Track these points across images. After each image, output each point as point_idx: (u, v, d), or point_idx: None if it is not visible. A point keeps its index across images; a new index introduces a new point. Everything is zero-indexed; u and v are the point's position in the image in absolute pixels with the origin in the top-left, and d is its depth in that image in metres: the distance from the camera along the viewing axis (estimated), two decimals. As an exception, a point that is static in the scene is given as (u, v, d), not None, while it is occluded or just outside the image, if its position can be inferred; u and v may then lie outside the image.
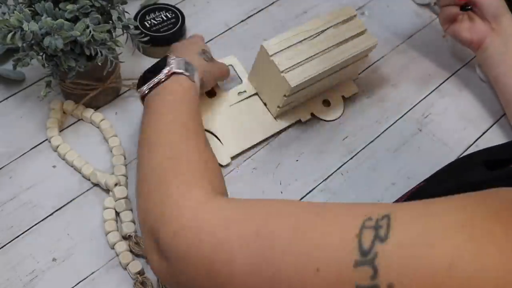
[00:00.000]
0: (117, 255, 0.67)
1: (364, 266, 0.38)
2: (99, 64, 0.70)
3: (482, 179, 0.54)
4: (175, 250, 0.50)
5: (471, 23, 0.81)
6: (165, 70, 0.65)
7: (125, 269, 0.66)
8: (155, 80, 0.65)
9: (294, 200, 0.55)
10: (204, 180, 0.55)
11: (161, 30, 0.85)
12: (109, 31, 0.70)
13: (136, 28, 0.79)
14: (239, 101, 0.79)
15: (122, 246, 0.67)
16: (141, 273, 0.66)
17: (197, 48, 0.74)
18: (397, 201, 0.68)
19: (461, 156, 0.76)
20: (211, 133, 0.76)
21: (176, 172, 0.55)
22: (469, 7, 0.81)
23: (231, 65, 0.83)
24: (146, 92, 0.65)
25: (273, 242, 0.44)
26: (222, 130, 0.77)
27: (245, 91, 0.80)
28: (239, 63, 0.84)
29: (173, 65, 0.66)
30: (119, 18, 0.71)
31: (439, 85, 0.87)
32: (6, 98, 0.81)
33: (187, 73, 0.66)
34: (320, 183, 0.75)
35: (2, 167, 0.74)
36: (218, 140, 0.76)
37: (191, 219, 0.50)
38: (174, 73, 0.65)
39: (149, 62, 0.86)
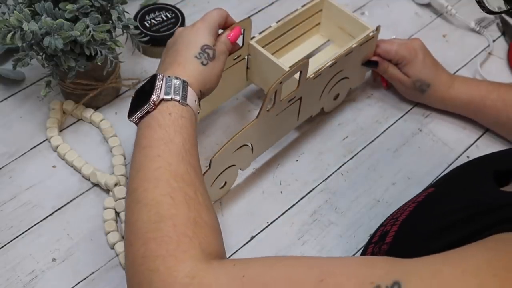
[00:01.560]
0: (117, 255, 0.67)
1: None
2: (99, 64, 0.70)
3: (493, 203, 0.52)
4: None
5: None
6: (153, 97, 0.58)
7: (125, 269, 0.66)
8: (144, 109, 0.58)
9: (293, 257, 0.53)
10: (193, 246, 0.49)
11: (161, 30, 0.85)
12: (109, 31, 0.70)
13: (136, 28, 0.79)
14: (229, 67, 0.75)
15: (122, 246, 0.67)
16: (141, 273, 0.66)
17: (196, 46, 0.65)
18: (403, 208, 0.65)
19: (471, 159, 0.72)
20: None
21: (161, 242, 0.49)
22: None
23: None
24: (136, 122, 0.60)
25: None
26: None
27: (239, 56, 0.76)
28: (250, 28, 0.75)
29: (162, 89, 0.58)
30: (119, 18, 0.71)
31: (439, 85, 0.87)
32: (6, 98, 0.81)
33: (177, 98, 0.58)
34: (320, 183, 0.75)
35: (2, 167, 0.74)
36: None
37: None
38: (162, 99, 0.58)
39: (149, 62, 0.86)
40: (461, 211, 0.53)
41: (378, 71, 0.81)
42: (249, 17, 0.73)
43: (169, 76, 0.60)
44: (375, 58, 0.79)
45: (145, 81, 0.62)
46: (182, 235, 0.50)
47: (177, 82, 0.59)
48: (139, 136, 0.58)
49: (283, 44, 0.81)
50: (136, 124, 0.60)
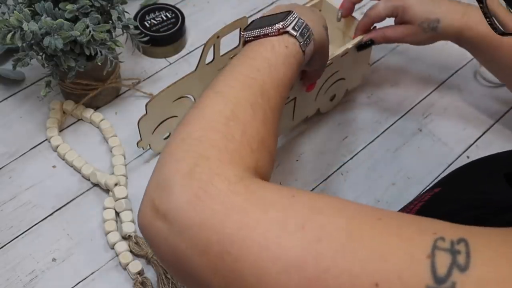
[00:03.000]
0: (117, 255, 0.67)
1: None
2: (99, 64, 0.70)
3: (508, 202, 0.50)
4: (187, 215, 0.41)
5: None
6: (279, 25, 0.56)
7: (125, 269, 0.66)
8: (264, 31, 0.56)
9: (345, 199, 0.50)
10: (251, 158, 0.46)
11: (161, 30, 0.85)
12: (109, 31, 0.70)
13: (136, 28, 0.79)
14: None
15: (122, 246, 0.67)
16: (141, 273, 0.66)
17: (323, 21, 0.63)
18: (408, 208, 0.63)
19: (476, 159, 0.70)
20: (188, 96, 0.74)
21: (224, 137, 0.46)
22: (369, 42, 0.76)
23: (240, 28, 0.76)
24: (248, 39, 0.57)
25: (320, 238, 0.38)
26: (199, 92, 0.73)
27: (236, 54, 0.76)
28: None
29: (292, 24, 0.56)
30: (119, 18, 0.71)
31: (439, 85, 0.87)
32: (6, 98, 0.81)
33: (300, 40, 0.56)
34: (320, 183, 0.75)
35: (2, 167, 0.74)
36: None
37: (218, 197, 0.42)
38: (286, 32, 0.56)
39: (149, 62, 0.86)
40: (472, 210, 0.52)
41: (380, 42, 0.75)
42: (245, 16, 0.73)
43: (302, 19, 0.58)
44: (365, 38, 0.75)
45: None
46: (246, 143, 0.47)
47: (307, 27, 0.57)
48: (247, 49, 0.56)
49: None
50: (247, 42, 0.57)
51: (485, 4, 0.67)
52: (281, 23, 0.56)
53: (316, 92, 0.75)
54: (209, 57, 0.71)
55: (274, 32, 0.56)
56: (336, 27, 0.82)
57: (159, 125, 0.72)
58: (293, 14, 0.57)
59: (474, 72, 0.89)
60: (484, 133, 0.82)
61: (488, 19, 0.65)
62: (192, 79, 0.71)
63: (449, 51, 0.92)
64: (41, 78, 0.81)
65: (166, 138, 0.75)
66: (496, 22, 0.53)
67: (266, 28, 0.56)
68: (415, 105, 0.85)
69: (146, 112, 0.69)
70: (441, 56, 0.91)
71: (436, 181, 0.76)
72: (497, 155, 0.65)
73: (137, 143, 0.72)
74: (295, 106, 0.73)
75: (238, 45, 0.74)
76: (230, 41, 0.72)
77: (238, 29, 0.72)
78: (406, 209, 0.63)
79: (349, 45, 0.74)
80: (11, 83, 0.82)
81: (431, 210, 0.59)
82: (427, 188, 0.67)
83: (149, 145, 0.74)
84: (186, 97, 0.72)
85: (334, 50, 0.78)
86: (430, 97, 0.86)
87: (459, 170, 0.68)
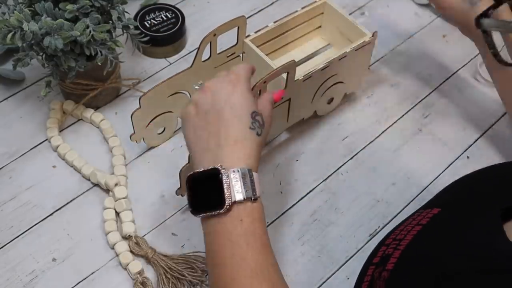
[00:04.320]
0: (117, 255, 0.67)
1: None
2: (99, 64, 0.70)
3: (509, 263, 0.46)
4: None
5: None
6: (226, 203, 0.52)
7: (125, 269, 0.66)
8: (214, 213, 0.52)
9: None
10: None
11: (161, 30, 0.85)
12: (109, 31, 0.70)
13: (136, 28, 0.79)
14: (223, 63, 0.75)
15: (122, 246, 0.67)
16: (141, 273, 0.66)
17: (247, 114, 0.55)
18: (405, 229, 0.58)
19: (477, 170, 0.64)
20: (184, 92, 0.74)
21: None
22: None
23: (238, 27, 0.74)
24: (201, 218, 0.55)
25: None
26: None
27: (234, 53, 0.76)
28: (245, 27, 0.75)
29: (232, 190, 0.52)
30: (119, 18, 0.71)
31: (439, 85, 0.87)
32: (6, 98, 0.81)
33: (249, 195, 0.52)
34: (320, 183, 0.75)
35: (2, 167, 0.74)
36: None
37: None
38: (235, 202, 0.52)
39: (149, 62, 0.86)
40: (473, 261, 0.48)
41: None
42: (243, 15, 0.73)
43: (233, 170, 0.52)
44: None
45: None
46: None
47: (243, 173, 0.53)
48: (209, 246, 0.54)
49: (281, 44, 0.81)
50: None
51: (490, 35, 0.66)
52: (226, 201, 0.52)
53: (312, 94, 0.75)
54: (206, 55, 0.72)
55: (224, 212, 0.52)
56: (339, 31, 0.81)
57: (153, 119, 0.73)
58: (224, 175, 0.52)
59: (474, 72, 0.89)
60: (484, 133, 0.82)
61: (492, 50, 0.63)
62: (188, 75, 0.71)
63: (449, 51, 0.92)
64: (41, 78, 0.81)
65: (161, 133, 0.76)
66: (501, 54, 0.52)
67: (213, 208, 0.52)
68: (415, 105, 0.85)
69: (140, 106, 0.70)
70: (441, 56, 0.91)
71: (435, 181, 0.76)
72: (499, 182, 0.59)
73: (130, 136, 0.73)
74: (290, 107, 0.73)
75: (236, 43, 0.75)
76: (228, 40, 0.72)
77: (236, 28, 0.72)
78: (404, 230, 0.58)
79: (348, 48, 0.74)
80: (11, 83, 0.83)
81: (429, 237, 0.55)
82: (425, 204, 0.63)
83: (143, 138, 0.74)
84: (182, 93, 0.73)
85: (334, 52, 0.78)
86: (430, 97, 0.86)
87: (458, 187, 0.64)
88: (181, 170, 0.67)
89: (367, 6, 0.97)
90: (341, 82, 0.78)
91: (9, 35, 0.65)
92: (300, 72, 0.71)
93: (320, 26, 0.84)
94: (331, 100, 0.80)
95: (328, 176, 0.76)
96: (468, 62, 0.91)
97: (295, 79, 0.70)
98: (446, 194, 0.63)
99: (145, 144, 0.76)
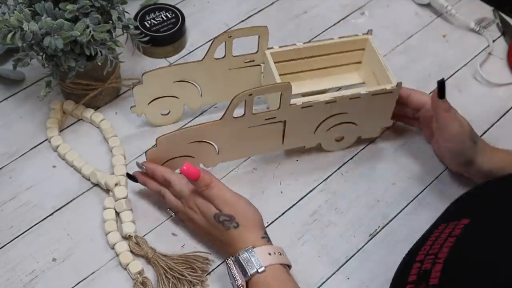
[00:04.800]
0: (117, 255, 0.67)
1: None
2: (99, 64, 0.70)
3: None
4: None
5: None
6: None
7: (125, 269, 0.66)
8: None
9: None
10: None
11: (161, 30, 0.85)
12: (109, 31, 0.70)
13: (136, 28, 0.79)
14: (240, 67, 0.75)
15: (122, 246, 0.67)
16: (141, 273, 0.66)
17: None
18: (438, 244, 0.56)
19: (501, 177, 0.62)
20: (192, 83, 0.75)
21: None
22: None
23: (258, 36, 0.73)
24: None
25: None
26: (204, 83, 0.76)
27: (253, 61, 0.75)
28: (267, 37, 0.73)
29: (238, 276, 0.61)
30: (119, 18, 0.71)
31: (439, 85, 0.87)
32: (6, 98, 0.81)
33: (247, 276, 0.61)
34: (320, 183, 0.75)
35: (2, 167, 0.74)
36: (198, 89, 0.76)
37: None
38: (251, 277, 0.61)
39: (149, 62, 0.86)
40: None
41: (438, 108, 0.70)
42: (265, 26, 0.72)
43: (227, 261, 0.63)
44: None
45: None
46: None
47: (235, 260, 0.62)
48: None
49: (311, 67, 0.78)
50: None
51: None
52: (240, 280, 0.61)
53: (315, 125, 0.72)
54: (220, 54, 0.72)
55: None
56: (372, 71, 0.77)
57: (156, 98, 0.74)
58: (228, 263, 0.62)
59: (474, 72, 0.89)
60: (484, 133, 0.82)
61: None
62: (197, 66, 0.73)
63: (449, 51, 0.92)
64: (41, 78, 0.81)
65: (165, 115, 0.78)
66: None
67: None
68: (415, 105, 0.84)
69: (141, 81, 0.72)
70: (441, 56, 0.91)
71: (435, 181, 0.76)
72: None
73: (131, 107, 0.75)
74: (286, 130, 0.71)
75: (257, 51, 0.74)
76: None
77: (257, 36, 0.72)
78: (435, 244, 0.56)
79: (363, 90, 0.70)
80: (11, 83, 0.83)
81: (468, 247, 0.54)
82: (445, 217, 0.61)
83: (144, 114, 0.76)
84: (190, 82, 0.74)
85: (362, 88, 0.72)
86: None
87: (482, 193, 0.62)
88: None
89: (367, 6, 0.97)
90: (354, 124, 0.74)
91: (9, 35, 0.65)
92: (312, 99, 0.69)
93: (360, 62, 0.80)
94: (341, 138, 0.76)
95: (328, 176, 0.76)
96: (468, 62, 0.90)
97: (292, 103, 0.67)
98: (467, 204, 0.61)
99: (144, 145, 0.76)
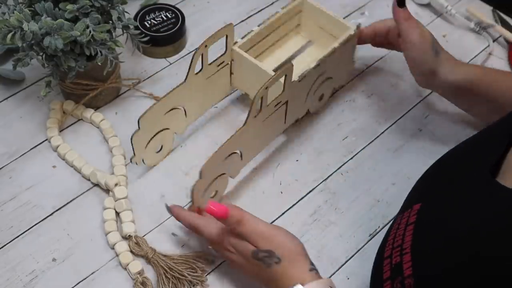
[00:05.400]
0: (117, 255, 0.67)
1: None
2: (99, 64, 0.70)
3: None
4: None
5: None
6: None
7: (125, 269, 0.66)
8: None
9: None
10: None
11: (161, 30, 0.85)
12: (109, 31, 0.70)
13: (136, 28, 0.79)
14: (214, 73, 0.75)
15: (122, 246, 0.67)
16: (141, 273, 0.66)
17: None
18: (400, 235, 0.57)
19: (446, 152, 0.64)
20: (179, 108, 0.73)
21: None
22: None
23: (226, 35, 0.73)
24: None
25: None
26: (188, 102, 0.74)
27: (223, 62, 0.75)
28: (233, 34, 0.74)
29: None
30: (119, 18, 0.71)
31: (439, 85, 0.87)
32: (6, 98, 0.81)
33: None
34: (320, 183, 0.75)
35: (2, 167, 0.74)
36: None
37: None
38: None
39: (149, 62, 0.87)
40: (473, 219, 0.49)
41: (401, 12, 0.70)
42: (231, 23, 0.73)
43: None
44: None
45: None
46: None
47: None
48: None
49: (265, 47, 0.81)
50: None
51: None
52: None
53: (306, 94, 0.75)
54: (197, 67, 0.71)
55: None
56: (319, 27, 0.82)
57: (151, 138, 0.71)
58: None
59: (474, 72, 0.89)
60: (484, 133, 0.82)
61: None
62: (182, 90, 0.71)
63: (449, 51, 0.92)
64: (41, 78, 0.81)
65: (158, 152, 0.74)
66: None
67: None
68: (415, 105, 0.85)
69: (139, 128, 0.68)
70: (441, 56, 0.91)
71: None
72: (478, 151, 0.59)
73: (131, 159, 0.72)
74: (287, 109, 0.73)
75: (225, 52, 0.74)
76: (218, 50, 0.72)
77: (224, 37, 0.73)
78: (398, 236, 0.57)
79: (336, 43, 0.75)
80: (11, 83, 0.83)
81: (428, 230, 0.54)
82: (400, 211, 0.62)
83: (143, 160, 0.73)
84: (177, 108, 0.72)
85: (318, 49, 0.79)
86: (430, 97, 0.86)
87: (433, 172, 0.63)
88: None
89: (367, 6, 0.97)
90: (330, 78, 0.78)
91: (9, 35, 0.65)
92: (303, 70, 0.71)
93: (299, 24, 0.85)
94: (321, 97, 0.80)
95: (328, 176, 0.76)
96: (468, 62, 0.90)
97: (291, 80, 0.69)
98: (415, 192, 0.62)
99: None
